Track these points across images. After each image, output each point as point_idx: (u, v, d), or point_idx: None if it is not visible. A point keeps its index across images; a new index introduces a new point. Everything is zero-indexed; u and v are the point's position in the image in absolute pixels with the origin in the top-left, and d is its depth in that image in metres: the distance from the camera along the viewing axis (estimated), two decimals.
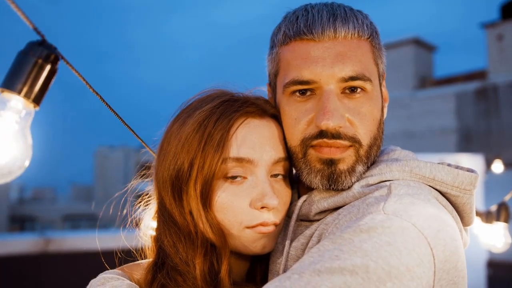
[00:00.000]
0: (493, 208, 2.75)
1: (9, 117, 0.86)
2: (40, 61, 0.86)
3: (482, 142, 16.74)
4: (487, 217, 2.85)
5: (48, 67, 0.86)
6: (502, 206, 2.58)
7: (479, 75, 18.55)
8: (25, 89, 0.85)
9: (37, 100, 0.86)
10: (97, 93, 1.04)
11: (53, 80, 0.88)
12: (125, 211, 1.29)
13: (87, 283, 1.11)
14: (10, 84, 0.85)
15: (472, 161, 6.88)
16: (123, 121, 1.19)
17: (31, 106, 0.87)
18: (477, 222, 2.99)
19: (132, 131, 1.24)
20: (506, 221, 2.57)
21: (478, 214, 2.97)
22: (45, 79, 0.87)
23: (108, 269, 1.18)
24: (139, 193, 1.31)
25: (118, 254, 1.30)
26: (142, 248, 1.27)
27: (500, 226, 2.59)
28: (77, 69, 0.97)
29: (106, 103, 1.09)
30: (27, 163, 0.86)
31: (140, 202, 1.29)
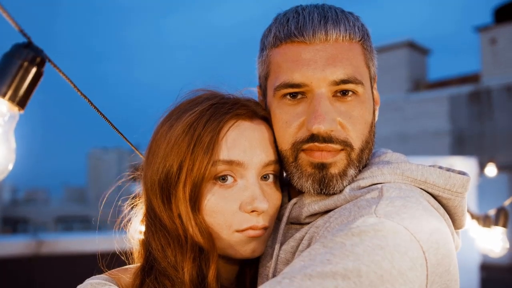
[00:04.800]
0: (491, 212, 2.75)
1: None
2: (25, 63, 0.83)
3: (475, 145, 16.80)
4: (485, 221, 2.85)
5: (33, 70, 0.84)
6: (501, 210, 2.58)
7: (473, 78, 18.61)
8: (9, 92, 0.82)
9: (21, 103, 0.84)
10: (84, 95, 1.01)
11: (39, 83, 0.86)
12: (118, 213, 1.27)
13: None
14: None
15: (466, 164, 6.90)
16: (110, 123, 1.16)
17: (15, 109, 0.85)
18: (474, 225, 3.00)
19: (119, 132, 1.21)
20: (504, 226, 2.58)
21: (474, 217, 2.97)
22: (30, 82, 0.84)
23: (102, 271, 1.16)
24: (132, 195, 1.29)
25: (110, 257, 1.28)
26: (130, 252, 1.25)
27: (498, 231, 2.60)
28: (65, 72, 0.95)
29: (94, 105, 1.07)
30: (10, 167, 0.83)
31: (129, 204, 1.28)
